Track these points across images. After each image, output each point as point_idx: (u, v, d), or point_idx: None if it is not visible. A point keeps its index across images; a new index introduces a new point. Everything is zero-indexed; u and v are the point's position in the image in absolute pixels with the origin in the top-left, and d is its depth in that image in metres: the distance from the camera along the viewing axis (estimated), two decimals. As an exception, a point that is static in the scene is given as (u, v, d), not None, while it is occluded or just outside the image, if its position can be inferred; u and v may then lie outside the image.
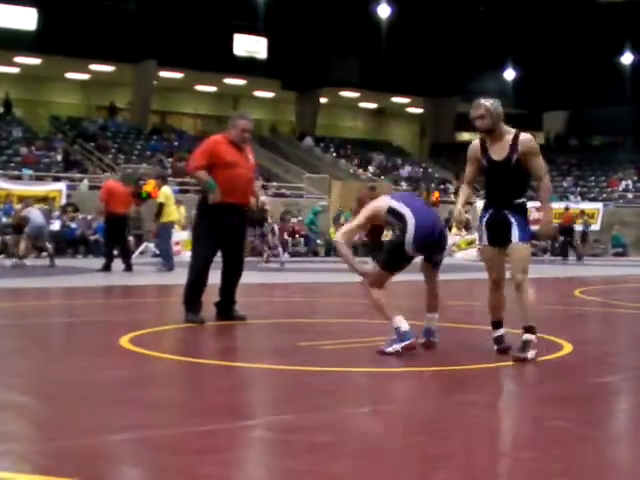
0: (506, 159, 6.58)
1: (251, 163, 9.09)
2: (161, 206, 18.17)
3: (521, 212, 6.67)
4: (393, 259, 6.87)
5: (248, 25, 40.68)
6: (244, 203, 9.00)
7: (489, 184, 6.80)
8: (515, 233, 6.59)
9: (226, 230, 8.84)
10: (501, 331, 6.79)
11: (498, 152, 6.63)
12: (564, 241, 29.96)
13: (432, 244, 6.89)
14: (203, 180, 8.77)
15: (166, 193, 18.32)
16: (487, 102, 6.62)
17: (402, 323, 6.68)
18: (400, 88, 46.67)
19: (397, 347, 6.61)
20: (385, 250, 6.99)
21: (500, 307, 6.80)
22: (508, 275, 6.78)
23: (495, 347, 6.78)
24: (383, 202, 6.97)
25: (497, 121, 6.62)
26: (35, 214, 19.51)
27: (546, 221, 7.19)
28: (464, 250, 31.73)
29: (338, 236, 7.12)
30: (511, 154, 6.57)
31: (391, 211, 6.87)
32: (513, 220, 6.61)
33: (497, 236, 6.67)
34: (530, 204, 7.04)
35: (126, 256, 18.15)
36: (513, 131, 6.65)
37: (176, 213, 18.98)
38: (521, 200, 6.69)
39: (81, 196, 29.36)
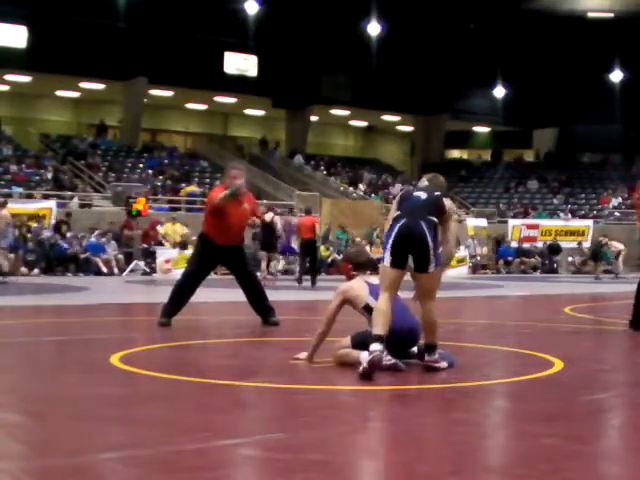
0: None
1: (246, 210, 10.09)
2: None
3: None
4: (361, 344, 6.88)
5: (239, 43, 40.78)
6: (234, 244, 10.23)
7: None
8: None
9: (223, 259, 10.41)
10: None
11: None
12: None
13: (398, 342, 6.84)
14: (227, 195, 9.78)
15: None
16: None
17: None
18: (390, 106, 46.79)
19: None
20: (356, 338, 7.08)
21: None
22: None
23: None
24: (363, 294, 7.10)
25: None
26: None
27: None
28: (454, 267, 31.75)
29: (322, 323, 7.25)
30: None
31: (367, 308, 7.03)
32: None
33: None
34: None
35: None
36: None
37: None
38: None
39: (71, 214, 29.26)
